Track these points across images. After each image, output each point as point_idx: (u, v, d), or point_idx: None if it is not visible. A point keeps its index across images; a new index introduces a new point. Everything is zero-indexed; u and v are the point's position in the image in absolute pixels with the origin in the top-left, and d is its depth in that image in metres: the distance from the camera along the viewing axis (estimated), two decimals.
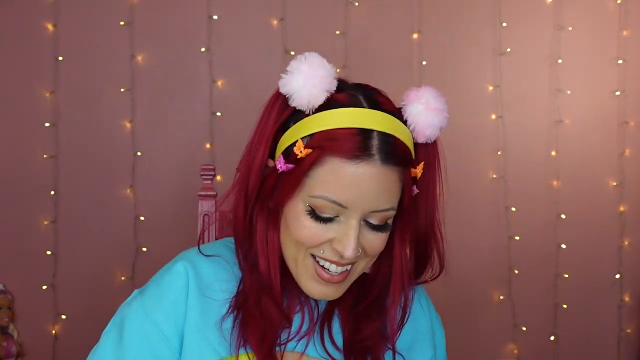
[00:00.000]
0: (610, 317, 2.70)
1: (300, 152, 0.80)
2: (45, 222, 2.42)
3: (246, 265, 0.88)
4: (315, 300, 0.88)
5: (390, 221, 0.83)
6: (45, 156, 2.41)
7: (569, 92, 2.67)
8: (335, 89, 0.82)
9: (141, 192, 2.46)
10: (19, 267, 2.41)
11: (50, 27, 2.41)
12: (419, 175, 0.85)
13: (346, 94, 0.83)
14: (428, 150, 0.86)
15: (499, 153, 2.64)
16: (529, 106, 2.68)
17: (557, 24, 2.67)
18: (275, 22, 2.52)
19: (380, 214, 0.80)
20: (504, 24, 2.63)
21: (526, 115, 2.68)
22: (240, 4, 2.51)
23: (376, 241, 0.82)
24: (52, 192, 2.42)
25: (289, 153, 0.82)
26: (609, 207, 2.72)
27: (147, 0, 2.46)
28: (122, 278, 2.43)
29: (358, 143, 0.78)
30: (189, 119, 2.48)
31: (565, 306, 2.66)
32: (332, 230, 0.80)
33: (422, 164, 0.85)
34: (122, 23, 2.44)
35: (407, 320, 0.89)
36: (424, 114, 0.83)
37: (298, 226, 0.81)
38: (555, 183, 2.67)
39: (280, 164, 0.82)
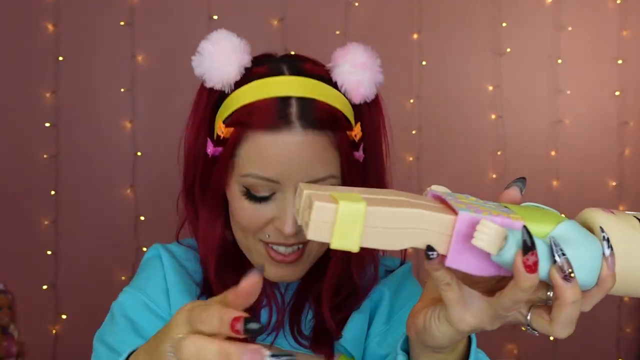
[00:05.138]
0: (610, 317, 2.70)
1: (222, 132, 0.78)
2: (46, 222, 2.42)
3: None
4: (282, 293, 0.87)
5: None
6: (45, 156, 2.42)
7: (568, 92, 2.67)
8: (248, 63, 0.80)
9: (141, 192, 2.46)
10: (19, 267, 2.41)
11: (50, 27, 2.42)
12: (357, 137, 0.81)
13: (268, 65, 0.81)
14: (370, 111, 0.83)
15: (498, 153, 2.64)
16: (529, 106, 2.68)
17: (557, 24, 2.67)
18: (275, 22, 2.52)
19: (318, 183, 0.76)
20: (504, 24, 2.63)
21: (526, 115, 2.68)
22: (240, 4, 2.52)
23: None
24: (53, 192, 2.42)
25: (215, 138, 0.81)
26: (609, 207, 2.71)
27: (147, 1, 2.46)
28: (122, 278, 2.43)
29: (275, 112, 0.75)
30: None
31: None
32: (271, 209, 0.77)
33: (359, 125, 0.81)
34: (122, 23, 2.44)
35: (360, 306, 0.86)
36: (352, 72, 0.80)
37: (238, 209, 0.79)
38: (555, 183, 2.68)
39: (210, 149, 0.81)
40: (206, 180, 0.82)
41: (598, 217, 0.54)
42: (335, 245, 0.47)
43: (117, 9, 2.44)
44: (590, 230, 0.53)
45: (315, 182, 0.76)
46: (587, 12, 2.69)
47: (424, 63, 2.60)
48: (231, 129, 0.77)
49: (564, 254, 0.48)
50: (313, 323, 0.86)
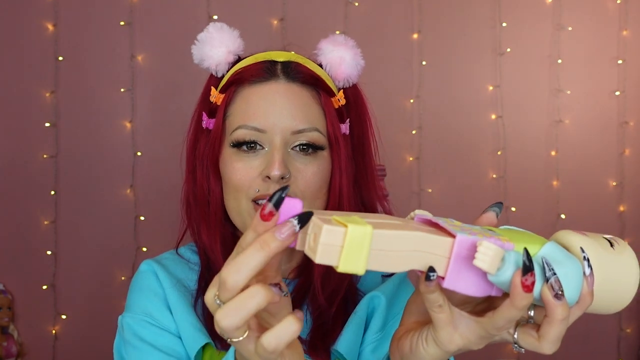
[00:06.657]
0: (610, 317, 2.70)
1: (215, 98, 0.86)
2: (46, 222, 2.42)
3: (201, 253, 0.90)
4: None
5: (323, 153, 0.84)
6: (45, 156, 2.42)
7: (568, 92, 2.67)
8: (239, 47, 0.89)
9: (141, 192, 2.46)
10: (19, 267, 2.41)
11: (50, 27, 2.42)
12: (341, 102, 0.87)
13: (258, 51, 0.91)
14: (356, 99, 0.90)
15: (499, 153, 2.64)
16: (529, 106, 2.68)
17: (557, 24, 2.67)
18: (275, 22, 2.52)
19: (303, 135, 0.82)
20: (504, 24, 2.63)
21: (526, 115, 2.68)
22: (240, 4, 2.52)
23: (308, 170, 0.82)
24: (52, 192, 2.42)
25: (210, 108, 0.88)
26: (609, 207, 2.72)
27: (147, 0, 2.46)
28: (122, 278, 2.43)
29: (262, 67, 0.85)
30: (189, 119, 2.47)
31: None
32: (259, 161, 0.82)
33: (342, 92, 0.88)
34: (122, 23, 2.44)
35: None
36: (334, 51, 0.88)
37: (231, 171, 0.84)
38: (555, 183, 2.68)
39: (205, 121, 0.88)
40: (204, 153, 0.89)
41: (574, 238, 0.55)
42: (342, 268, 0.47)
43: (117, 9, 2.44)
44: (567, 250, 0.55)
45: (300, 132, 0.82)
46: (587, 12, 2.69)
47: (424, 63, 2.60)
48: (223, 95, 0.85)
49: (554, 274, 0.50)
50: (311, 326, 0.86)
